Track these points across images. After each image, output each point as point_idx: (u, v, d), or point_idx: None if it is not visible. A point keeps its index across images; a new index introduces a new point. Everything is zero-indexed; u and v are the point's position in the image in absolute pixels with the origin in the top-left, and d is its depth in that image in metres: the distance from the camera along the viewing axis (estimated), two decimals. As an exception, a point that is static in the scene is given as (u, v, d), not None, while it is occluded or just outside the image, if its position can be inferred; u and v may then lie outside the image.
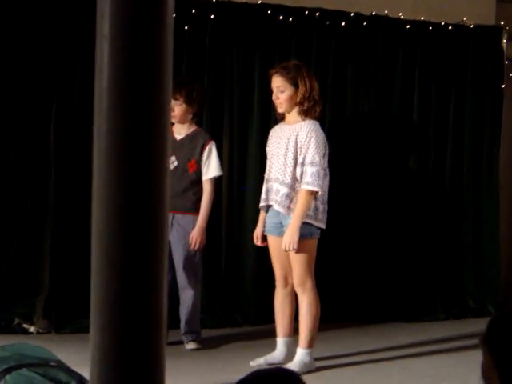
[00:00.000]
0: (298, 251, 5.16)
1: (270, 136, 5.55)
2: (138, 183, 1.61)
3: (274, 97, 5.38)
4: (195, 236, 5.66)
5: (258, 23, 6.59)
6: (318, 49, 6.77)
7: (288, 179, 5.25)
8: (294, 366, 5.17)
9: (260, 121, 6.52)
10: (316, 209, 5.23)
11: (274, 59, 6.42)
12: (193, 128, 5.82)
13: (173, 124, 5.75)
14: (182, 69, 6.32)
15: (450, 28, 7.13)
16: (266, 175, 5.48)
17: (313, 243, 5.26)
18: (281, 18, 6.63)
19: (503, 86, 7.32)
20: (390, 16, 6.96)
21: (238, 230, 6.57)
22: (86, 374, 2.28)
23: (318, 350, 5.38)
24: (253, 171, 6.48)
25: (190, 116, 5.79)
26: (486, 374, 1.96)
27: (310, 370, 5.25)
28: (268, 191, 5.38)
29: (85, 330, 5.44)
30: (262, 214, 5.52)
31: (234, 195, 6.58)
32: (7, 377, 3.19)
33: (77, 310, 5.86)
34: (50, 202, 6.09)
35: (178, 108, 5.70)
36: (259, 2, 6.60)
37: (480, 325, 2.35)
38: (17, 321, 5.96)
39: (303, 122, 5.28)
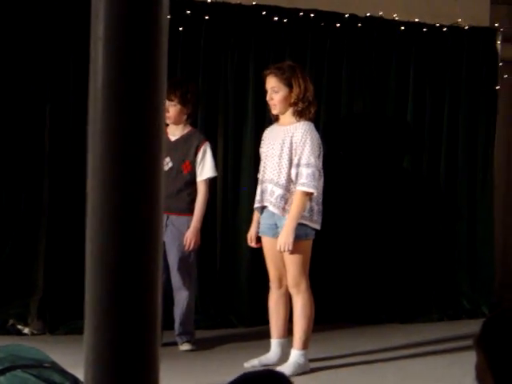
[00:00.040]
0: (292, 252, 5.16)
1: (263, 137, 5.55)
2: (132, 184, 1.61)
3: (268, 97, 5.38)
4: (189, 237, 5.66)
5: (253, 24, 6.59)
6: (312, 50, 6.77)
7: (283, 180, 5.25)
8: (288, 367, 5.17)
9: (255, 121, 6.52)
10: (311, 210, 5.23)
11: (268, 60, 6.42)
12: (187, 129, 5.82)
13: (167, 125, 5.75)
14: (176, 70, 6.31)
15: (444, 29, 7.14)
16: (260, 176, 5.48)
17: (308, 244, 5.26)
18: (275, 19, 6.63)
19: (497, 88, 7.33)
20: (385, 17, 6.97)
21: (232, 231, 6.57)
22: (80, 375, 2.28)
23: (312, 351, 5.38)
24: (247, 172, 6.48)
25: (185, 117, 5.78)
26: (480, 375, 1.96)
27: (305, 371, 5.26)
28: (263, 192, 5.38)
29: (79, 331, 5.43)
30: (256, 215, 5.52)
31: (229, 196, 6.58)
32: (1, 378, 3.19)
33: (71, 310, 5.85)
34: (45, 203, 6.08)
35: (172, 109, 5.70)
36: (254, 3, 6.60)
37: (474, 326, 2.36)
38: (11, 322, 5.95)
39: (298, 123, 5.28)
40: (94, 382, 1.62)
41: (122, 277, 1.60)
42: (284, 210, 5.23)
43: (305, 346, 5.27)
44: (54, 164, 6.09)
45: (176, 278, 5.71)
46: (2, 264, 6.03)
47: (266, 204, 5.35)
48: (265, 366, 5.25)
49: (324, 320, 6.22)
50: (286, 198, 5.24)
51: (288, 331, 5.44)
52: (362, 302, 6.84)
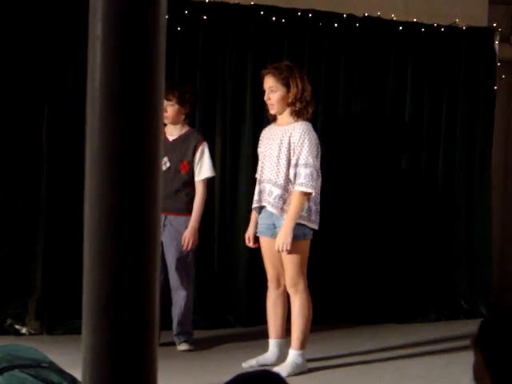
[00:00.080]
0: (290, 252, 5.16)
1: (261, 137, 5.54)
2: (130, 184, 1.61)
3: (265, 97, 5.38)
4: (187, 237, 5.66)
5: (251, 24, 6.59)
6: (310, 50, 6.77)
7: (281, 180, 5.25)
8: (286, 367, 5.17)
9: (252, 121, 6.52)
10: (309, 210, 5.23)
11: (266, 60, 6.42)
12: (185, 129, 5.82)
13: (165, 125, 5.75)
14: (174, 69, 6.31)
15: (442, 29, 7.14)
16: (258, 176, 5.48)
17: (306, 244, 5.26)
18: (273, 18, 6.63)
19: (495, 88, 7.34)
20: (383, 17, 6.97)
21: (230, 231, 6.57)
22: (78, 375, 2.28)
23: (310, 351, 5.38)
24: (245, 172, 6.48)
25: (183, 117, 5.78)
26: (477, 375, 1.96)
27: (302, 371, 5.26)
28: (261, 192, 5.38)
29: (77, 331, 5.42)
30: (253, 215, 5.51)
31: (227, 196, 6.58)
32: (-1, 378, 3.19)
33: (69, 310, 5.85)
34: (43, 202, 6.08)
35: (170, 109, 5.70)
36: (252, 3, 6.60)
37: (472, 326, 2.36)
38: (9, 322, 5.95)
39: (296, 124, 5.28)
40: (92, 381, 1.62)
41: (120, 277, 1.60)
42: (282, 210, 5.23)
43: (302, 346, 5.27)
44: (51, 164, 6.09)
45: (174, 278, 5.71)
46: (0, 264, 6.02)
47: (264, 204, 5.35)
48: (263, 366, 5.25)
49: (322, 320, 6.22)
50: (284, 198, 5.24)
51: (286, 331, 5.44)
52: (360, 302, 6.84)
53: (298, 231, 5.17)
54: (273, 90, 5.31)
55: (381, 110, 7.03)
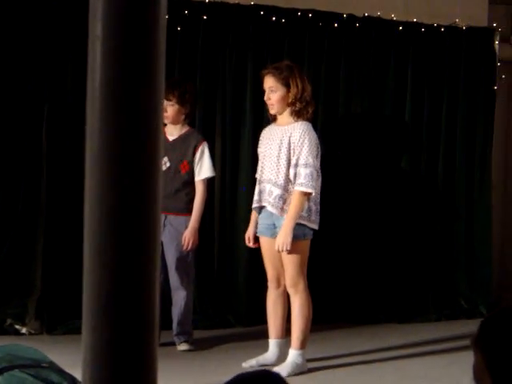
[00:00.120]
0: (290, 252, 5.16)
1: (261, 137, 5.54)
2: (130, 184, 1.60)
3: (265, 97, 5.38)
4: (188, 237, 5.66)
5: (251, 24, 6.59)
6: (310, 50, 6.77)
7: (281, 180, 5.25)
8: (286, 367, 5.17)
9: (253, 121, 6.52)
10: (309, 210, 5.23)
11: (266, 60, 6.42)
12: (185, 129, 5.82)
13: (165, 125, 5.74)
14: (174, 69, 6.31)
15: (442, 29, 7.14)
16: (258, 176, 5.48)
17: (306, 244, 5.26)
18: (273, 19, 6.63)
19: (495, 88, 7.33)
20: (383, 17, 6.97)
21: (230, 231, 6.57)
22: (78, 375, 2.27)
23: (310, 351, 5.38)
24: (245, 172, 6.48)
25: (183, 117, 5.78)
26: (477, 375, 1.96)
27: (302, 371, 5.25)
28: (261, 192, 5.38)
29: (77, 330, 5.42)
30: (253, 215, 5.51)
31: (227, 196, 6.58)
32: (-1, 378, 3.19)
33: (69, 310, 5.85)
34: (43, 202, 6.08)
35: (170, 108, 5.70)
36: (252, 3, 6.60)
37: (472, 326, 2.36)
38: (9, 321, 5.95)
39: (296, 124, 5.28)
40: (92, 381, 1.62)
41: (120, 277, 1.60)
42: (282, 210, 5.23)
43: (302, 345, 5.27)
44: (51, 164, 6.09)
45: (174, 278, 5.71)
46: (0, 264, 6.02)
47: (264, 204, 5.35)
48: (263, 366, 5.25)
49: (322, 320, 6.22)
50: (284, 198, 5.24)
51: (286, 331, 5.44)
52: (360, 302, 6.84)
53: (298, 231, 5.17)
54: (273, 90, 5.31)
55: (381, 109, 7.03)
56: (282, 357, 5.34)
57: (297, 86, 5.27)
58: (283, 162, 5.25)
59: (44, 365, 3.37)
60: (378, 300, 6.90)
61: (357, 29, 6.88)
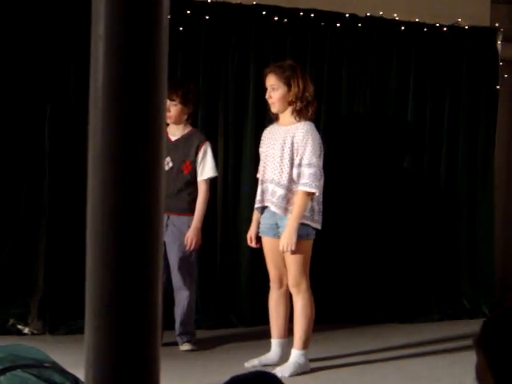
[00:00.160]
0: (293, 252, 5.16)
1: (263, 137, 5.54)
2: (133, 184, 1.60)
3: (267, 95, 5.38)
4: (190, 237, 5.66)
5: (253, 24, 6.59)
6: (312, 50, 6.77)
7: (284, 180, 5.24)
8: (288, 367, 5.17)
9: (255, 121, 6.52)
10: (312, 210, 5.23)
11: (268, 60, 6.41)
12: (188, 129, 5.82)
13: (168, 125, 5.74)
14: (177, 69, 6.31)
15: (444, 29, 7.14)
16: (260, 176, 5.47)
17: (309, 244, 5.26)
18: (276, 18, 6.63)
19: (498, 87, 7.33)
20: (385, 17, 6.97)
21: (233, 231, 6.57)
22: (80, 375, 2.28)
23: (312, 350, 5.37)
24: (248, 172, 6.48)
25: (185, 117, 5.78)
26: (480, 375, 1.96)
27: (305, 371, 5.26)
28: (263, 192, 5.38)
29: (79, 331, 5.44)
30: (255, 215, 5.51)
31: (229, 196, 6.58)
32: (1, 378, 3.19)
33: (71, 310, 5.85)
34: (45, 202, 6.08)
35: (173, 108, 5.70)
36: (254, 3, 6.60)
37: (474, 326, 2.36)
38: (11, 321, 5.95)
39: (299, 124, 5.28)
40: (95, 382, 1.61)
41: (123, 277, 1.60)
42: (286, 210, 5.23)
43: (305, 345, 5.27)
44: (54, 164, 6.09)
45: (177, 278, 5.71)
46: (3, 264, 6.03)
47: (267, 204, 5.34)
48: (265, 365, 5.26)
49: (324, 320, 6.21)
50: (287, 198, 5.23)
51: (288, 331, 5.44)
52: (362, 302, 6.84)
53: (302, 231, 5.16)
54: (274, 88, 5.31)
55: (383, 109, 7.03)
56: (284, 357, 5.34)
57: (298, 86, 5.26)
58: (286, 161, 5.24)
59: (46, 365, 3.37)
60: (380, 300, 6.89)
61: (359, 28, 6.88)
